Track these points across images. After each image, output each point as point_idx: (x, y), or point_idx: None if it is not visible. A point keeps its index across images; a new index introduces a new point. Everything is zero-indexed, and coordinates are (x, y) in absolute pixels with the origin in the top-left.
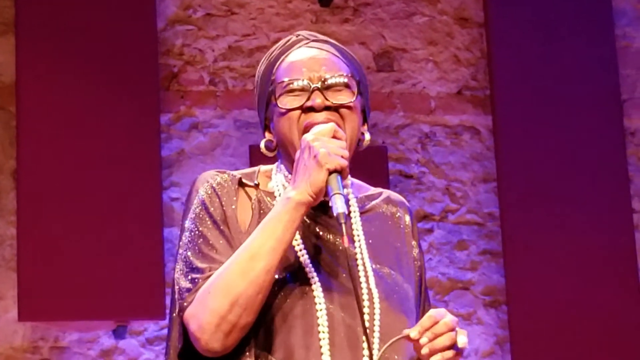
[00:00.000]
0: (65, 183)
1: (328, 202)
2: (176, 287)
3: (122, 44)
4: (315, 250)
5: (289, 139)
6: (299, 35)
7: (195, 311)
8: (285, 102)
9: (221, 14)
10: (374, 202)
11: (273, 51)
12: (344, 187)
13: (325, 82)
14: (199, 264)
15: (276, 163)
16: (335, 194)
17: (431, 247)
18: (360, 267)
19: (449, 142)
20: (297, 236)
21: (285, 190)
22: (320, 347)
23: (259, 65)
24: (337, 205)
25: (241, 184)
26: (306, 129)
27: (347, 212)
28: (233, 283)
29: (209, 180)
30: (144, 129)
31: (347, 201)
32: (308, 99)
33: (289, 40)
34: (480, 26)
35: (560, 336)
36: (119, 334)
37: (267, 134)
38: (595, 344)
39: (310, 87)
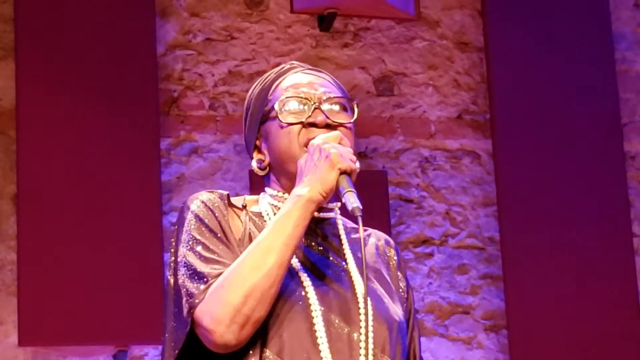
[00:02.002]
0: (65, 208)
1: (323, 218)
2: (182, 290)
3: (122, 68)
4: (308, 260)
5: (290, 153)
6: (292, 63)
7: (209, 306)
8: (287, 117)
9: (221, 38)
10: (359, 235)
11: (268, 76)
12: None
13: (326, 102)
14: (204, 268)
15: (261, 194)
16: (347, 191)
17: (431, 272)
18: (354, 278)
19: (449, 166)
20: None
21: (295, 189)
22: (318, 345)
23: (251, 89)
24: (352, 200)
25: (230, 203)
26: (307, 144)
27: (361, 207)
28: (247, 276)
29: (198, 197)
30: (144, 154)
31: (353, 214)
32: (309, 116)
33: (283, 67)
34: (480, 50)
35: None
36: (119, 358)
37: (256, 154)
38: None
39: (312, 104)
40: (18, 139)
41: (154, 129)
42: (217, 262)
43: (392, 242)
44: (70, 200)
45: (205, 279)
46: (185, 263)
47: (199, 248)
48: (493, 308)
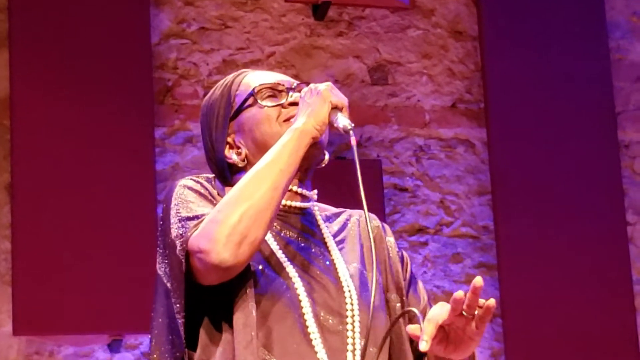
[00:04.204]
0: (60, 197)
1: (300, 208)
2: (176, 241)
3: (117, 58)
4: (292, 253)
5: (272, 132)
6: (246, 70)
7: (203, 230)
8: (265, 102)
9: (215, 27)
10: (338, 219)
11: (225, 81)
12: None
13: (298, 85)
14: (196, 213)
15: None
16: (338, 116)
17: (426, 260)
18: (339, 268)
19: (444, 155)
20: (273, 241)
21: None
22: (310, 338)
23: (207, 98)
24: (341, 120)
25: (215, 186)
26: (288, 120)
27: (352, 124)
28: (241, 198)
29: (186, 178)
30: (139, 143)
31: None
32: (287, 97)
33: (238, 72)
34: (474, 39)
35: (555, 349)
36: (114, 347)
37: (228, 150)
38: (589, 357)
39: (286, 88)
40: (12, 129)
41: (148, 118)
42: (209, 211)
43: (372, 215)
44: (64, 189)
45: (196, 218)
46: (178, 219)
47: (190, 205)
48: (487, 297)
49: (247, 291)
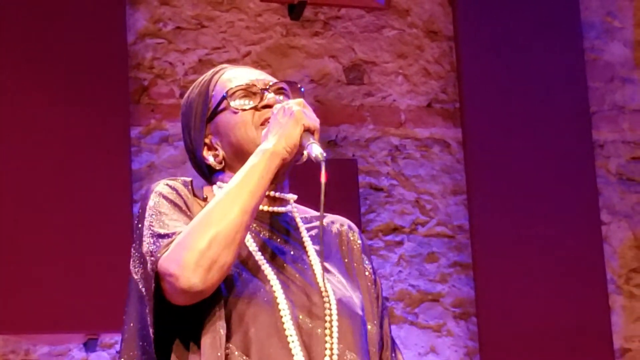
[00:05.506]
0: (35, 196)
1: (278, 212)
2: (147, 256)
3: (92, 57)
4: (270, 255)
5: (248, 138)
6: (224, 65)
7: (173, 254)
8: (238, 105)
9: (191, 27)
10: (318, 222)
11: (203, 78)
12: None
13: (272, 86)
14: (167, 230)
15: (214, 187)
16: (311, 142)
17: (401, 260)
18: (317, 271)
19: (419, 154)
20: (252, 242)
21: (259, 146)
22: (287, 340)
23: (186, 96)
24: (315, 149)
25: (193, 191)
26: (263, 124)
27: (325, 154)
28: (211, 222)
29: (162, 182)
30: (114, 143)
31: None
32: (261, 99)
33: (216, 68)
34: (449, 39)
35: (530, 348)
36: (89, 346)
37: (206, 152)
38: (564, 355)
39: (259, 89)
40: None
41: (124, 117)
42: (180, 227)
43: (354, 226)
44: (40, 188)
45: (168, 236)
46: (150, 234)
47: (163, 217)
48: (462, 296)
49: (217, 312)
